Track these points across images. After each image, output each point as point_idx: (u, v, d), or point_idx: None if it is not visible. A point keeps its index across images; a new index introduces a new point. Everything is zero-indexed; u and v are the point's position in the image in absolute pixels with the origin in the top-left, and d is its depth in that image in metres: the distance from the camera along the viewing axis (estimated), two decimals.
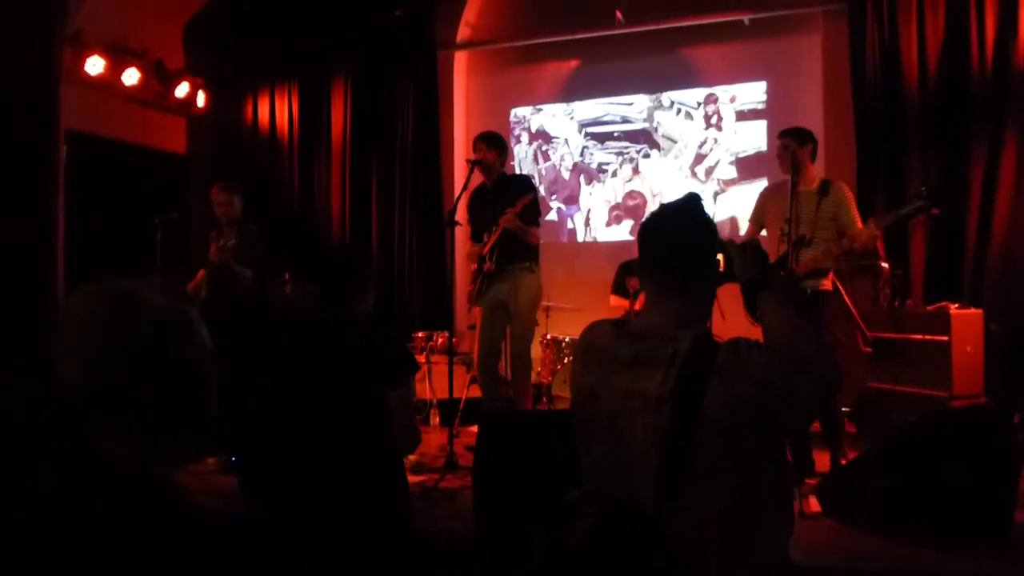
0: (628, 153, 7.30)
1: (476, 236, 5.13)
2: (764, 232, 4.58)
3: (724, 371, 1.56)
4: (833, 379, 1.69)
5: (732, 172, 6.95)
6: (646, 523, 1.55)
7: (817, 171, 4.51)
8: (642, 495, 1.58)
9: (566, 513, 1.64)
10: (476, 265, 5.01)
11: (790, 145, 4.36)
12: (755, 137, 6.88)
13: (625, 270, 6.20)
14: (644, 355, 1.64)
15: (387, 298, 7.33)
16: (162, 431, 1.27)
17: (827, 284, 4.34)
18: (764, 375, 1.56)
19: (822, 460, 4.28)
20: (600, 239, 7.38)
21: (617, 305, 6.19)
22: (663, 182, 7.17)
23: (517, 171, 7.40)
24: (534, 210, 4.91)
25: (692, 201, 1.82)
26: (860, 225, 4.27)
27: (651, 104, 7.20)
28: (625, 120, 7.30)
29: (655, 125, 7.19)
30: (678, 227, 1.77)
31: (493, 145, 4.99)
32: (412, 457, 4.53)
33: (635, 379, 1.63)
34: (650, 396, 1.59)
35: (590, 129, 7.41)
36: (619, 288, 6.26)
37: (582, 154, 7.45)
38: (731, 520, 1.57)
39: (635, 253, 5.66)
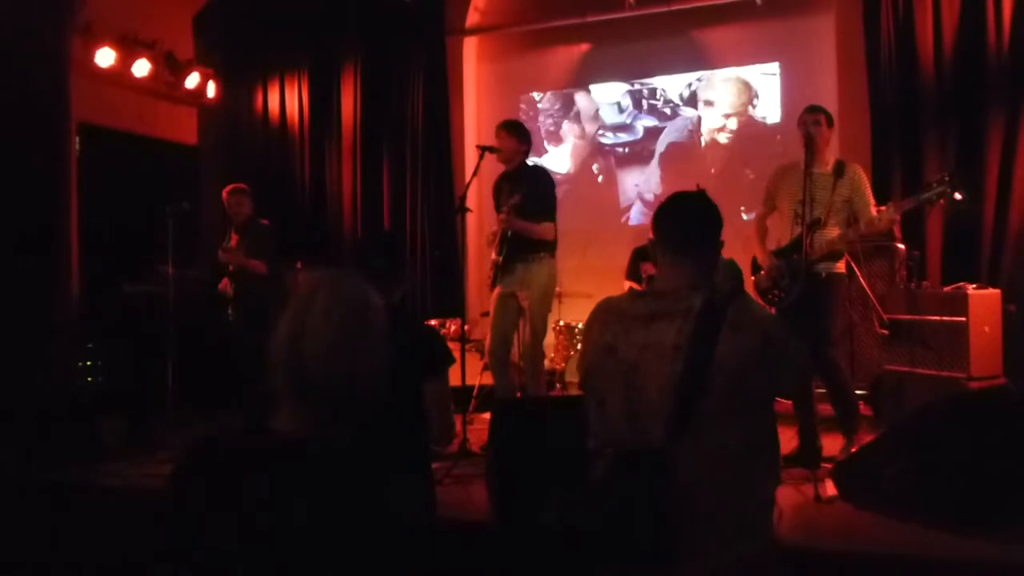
0: (640, 136, 7.25)
1: None
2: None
3: (734, 322, 1.79)
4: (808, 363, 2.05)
5: (746, 149, 6.90)
6: (657, 462, 1.71)
7: (832, 154, 4.47)
8: (653, 437, 1.75)
9: (584, 461, 1.85)
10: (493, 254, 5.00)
11: (821, 121, 4.31)
12: (769, 118, 6.82)
13: (639, 256, 6.16)
14: (661, 311, 1.86)
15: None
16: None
17: (841, 267, 4.31)
18: (766, 327, 1.87)
19: (831, 445, 4.25)
20: (613, 225, 7.34)
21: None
22: (675, 168, 7.12)
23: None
24: (538, 206, 4.82)
25: (701, 191, 2.21)
26: (874, 209, 4.23)
27: (663, 86, 7.15)
28: (636, 103, 7.25)
29: (668, 107, 7.14)
30: (691, 206, 2.10)
31: (513, 132, 4.94)
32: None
33: (653, 332, 1.84)
34: (667, 345, 1.80)
35: (601, 112, 7.36)
36: (633, 274, 6.22)
37: (593, 138, 7.42)
38: (733, 459, 1.78)
39: (647, 239, 5.64)
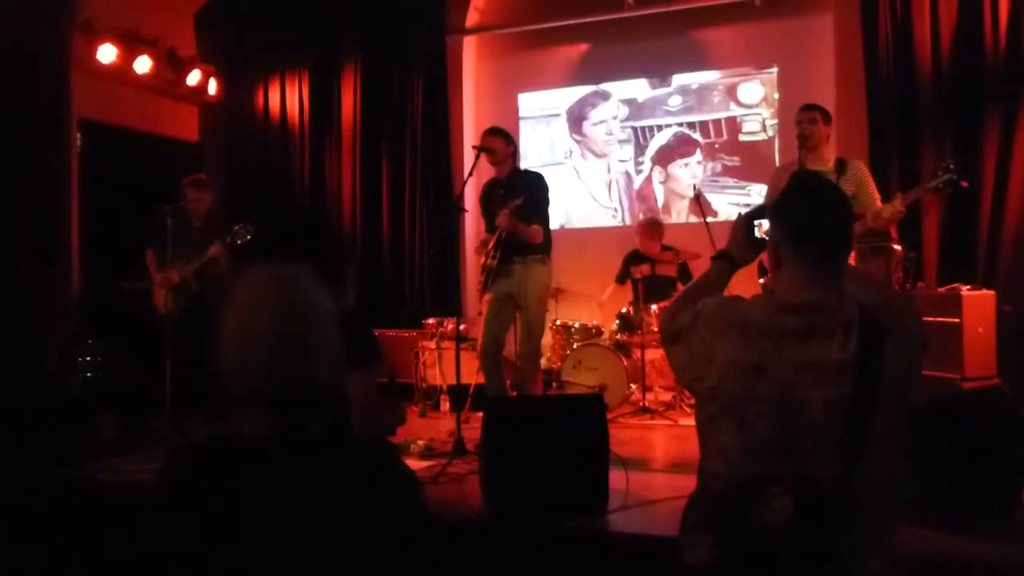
0: (637, 137, 7.26)
1: (490, 228, 5.14)
2: None
3: (895, 334, 1.63)
4: None
5: (743, 152, 6.92)
6: (838, 495, 1.57)
7: (832, 151, 4.49)
8: (824, 466, 1.59)
9: (748, 495, 1.62)
10: (484, 258, 5.02)
11: (818, 119, 4.33)
12: (767, 119, 6.83)
13: (631, 260, 6.19)
14: (816, 326, 1.65)
15: (399, 283, 7.38)
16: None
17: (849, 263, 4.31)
18: (922, 334, 1.73)
19: None
20: (609, 225, 7.36)
21: (615, 295, 6.28)
22: (677, 164, 7.14)
23: (533, 154, 7.39)
24: (535, 208, 4.87)
25: (824, 177, 1.86)
26: (879, 203, 4.24)
27: (662, 87, 7.16)
28: (634, 103, 7.26)
29: (665, 108, 7.15)
30: (838, 204, 1.78)
31: (497, 135, 4.98)
32: (421, 442, 4.56)
33: (811, 350, 1.63)
34: (830, 365, 1.61)
35: (598, 113, 7.38)
36: (623, 278, 6.27)
37: (590, 138, 7.43)
38: (893, 478, 1.64)
39: (639, 240, 5.60)
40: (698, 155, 7.05)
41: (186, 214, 5.38)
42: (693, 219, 6.74)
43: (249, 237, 5.16)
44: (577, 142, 7.48)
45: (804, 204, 1.77)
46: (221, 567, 1.24)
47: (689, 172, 7.07)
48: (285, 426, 1.33)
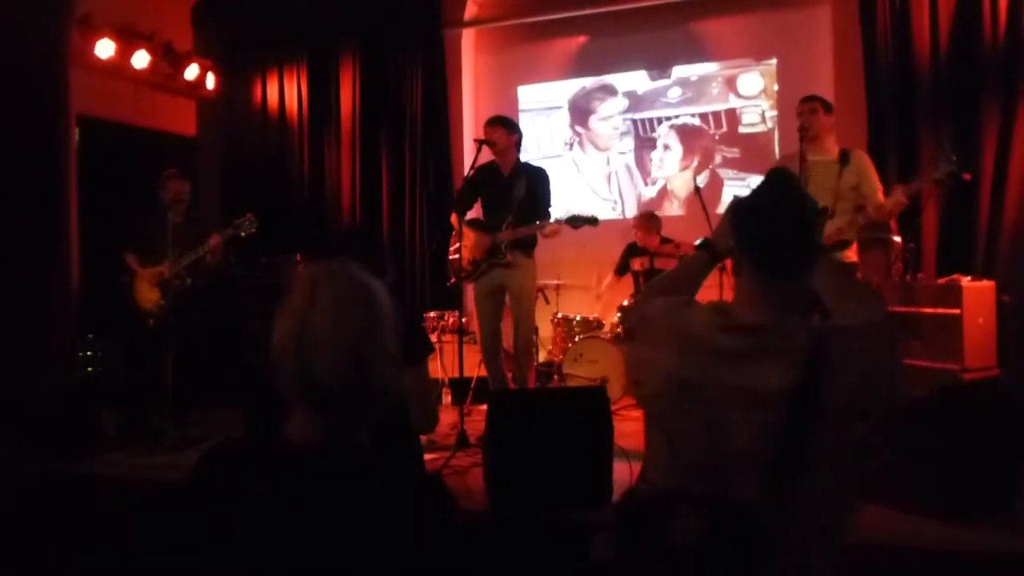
0: (636, 130, 7.26)
1: (462, 210, 5.13)
2: None
3: (840, 362, 1.53)
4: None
5: (743, 143, 6.91)
6: (752, 521, 1.51)
7: (834, 141, 4.49)
8: (744, 491, 1.52)
9: (656, 509, 1.59)
10: (480, 249, 4.98)
11: (818, 110, 4.33)
12: (766, 111, 6.82)
13: (630, 253, 6.19)
14: (754, 349, 1.56)
15: (399, 278, 7.37)
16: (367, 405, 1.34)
17: (851, 255, 4.32)
18: (874, 363, 1.58)
19: None
20: (602, 217, 7.36)
21: (612, 285, 6.28)
22: (674, 157, 7.13)
23: (533, 147, 7.38)
24: (539, 204, 4.94)
25: (789, 178, 1.70)
26: (881, 194, 4.24)
27: (660, 79, 7.15)
28: (633, 96, 7.25)
29: (665, 101, 7.14)
30: (789, 212, 1.63)
31: (500, 124, 4.98)
32: (423, 437, 4.57)
33: (745, 374, 1.54)
34: (763, 392, 1.52)
35: (597, 106, 7.37)
36: (622, 269, 6.27)
37: (589, 131, 7.42)
38: (829, 504, 1.56)
39: (636, 235, 5.59)
40: (698, 147, 7.05)
41: (164, 210, 5.28)
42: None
43: (254, 230, 5.15)
44: (579, 134, 7.47)
45: (760, 215, 1.64)
46: (252, 566, 1.23)
47: (689, 163, 7.06)
48: (334, 428, 1.28)
